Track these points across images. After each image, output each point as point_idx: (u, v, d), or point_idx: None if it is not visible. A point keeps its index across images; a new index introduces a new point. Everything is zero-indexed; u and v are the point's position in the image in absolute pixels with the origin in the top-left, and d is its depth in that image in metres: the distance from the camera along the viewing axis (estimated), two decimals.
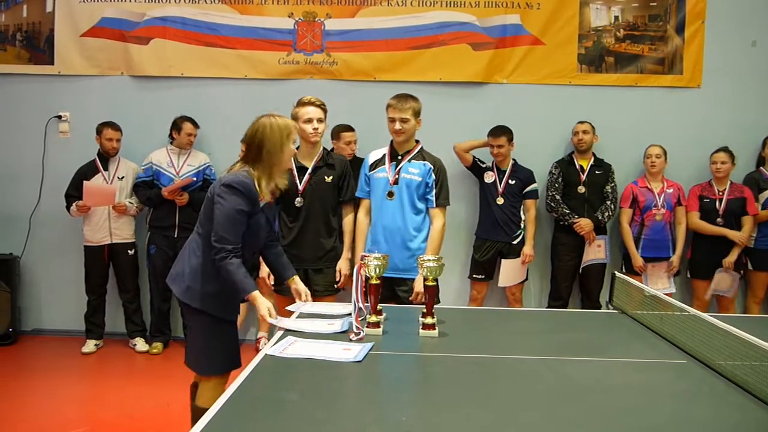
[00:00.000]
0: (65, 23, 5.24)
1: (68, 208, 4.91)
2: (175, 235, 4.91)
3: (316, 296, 3.65)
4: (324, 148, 3.76)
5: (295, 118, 3.63)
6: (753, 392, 2.00)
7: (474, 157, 4.96)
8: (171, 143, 5.02)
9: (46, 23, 5.27)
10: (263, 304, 2.67)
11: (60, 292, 5.34)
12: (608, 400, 1.99)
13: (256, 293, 2.67)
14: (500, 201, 4.86)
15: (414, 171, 3.54)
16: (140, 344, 5.06)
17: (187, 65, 5.22)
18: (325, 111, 3.64)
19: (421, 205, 3.56)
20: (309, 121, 3.57)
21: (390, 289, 3.54)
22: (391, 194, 3.52)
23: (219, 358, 2.80)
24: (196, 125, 5.00)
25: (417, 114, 3.53)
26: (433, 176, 3.55)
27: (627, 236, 4.92)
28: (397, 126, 3.49)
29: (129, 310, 5.11)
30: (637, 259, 4.86)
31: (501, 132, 4.84)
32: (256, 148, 2.79)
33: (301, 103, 3.62)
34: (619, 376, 2.23)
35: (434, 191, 3.55)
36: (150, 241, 5.01)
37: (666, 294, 4.65)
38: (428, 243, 3.54)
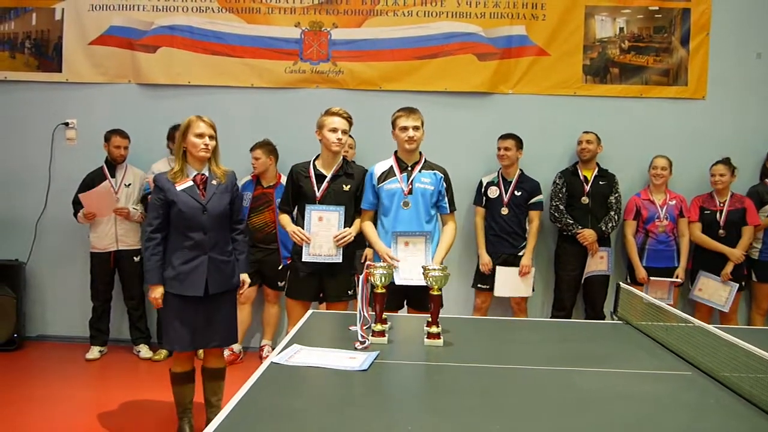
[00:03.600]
0: (73, 31, 5.29)
1: (76, 215, 4.94)
2: None
3: (329, 301, 3.72)
4: (344, 158, 3.81)
5: (321, 126, 3.69)
6: (758, 404, 2.00)
7: (481, 185, 4.98)
8: (170, 153, 5.03)
9: (55, 31, 5.32)
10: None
11: (65, 298, 5.36)
12: (614, 411, 1.99)
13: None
14: (504, 211, 4.86)
15: (426, 181, 3.67)
16: (144, 351, 5.06)
17: (195, 74, 5.25)
18: (350, 123, 3.73)
19: (432, 213, 3.71)
20: (334, 130, 3.65)
21: (400, 298, 3.62)
22: (406, 204, 3.61)
23: None
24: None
25: (423, 124, 3.66)
26: (444, 184, 3.71)
27: (631, 248, 4.93)
28: (411, 133, 3.58)
29: (134, 317, 5.12)
30: (640, 271, 4.86)
31: (509, 135, 4.89)
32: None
33: (328, 113, 3.69)
34: (624, 387, 2.23)
35: (446, 198, 3.72)
36: None
37: (662, 298, 4.69)
38: (443, 242, 3.70)
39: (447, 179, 3.73)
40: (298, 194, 3.75)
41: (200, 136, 3.23)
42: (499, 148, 4.90)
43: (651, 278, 4.83)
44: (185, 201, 3.23)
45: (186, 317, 3.29)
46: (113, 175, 4.98)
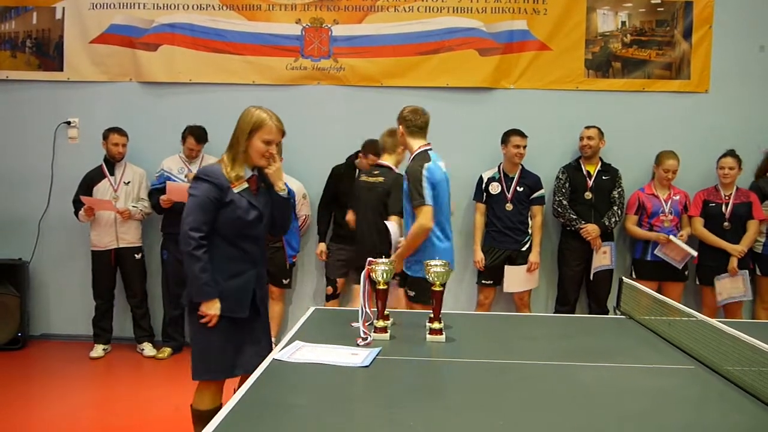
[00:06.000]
0: (74, 30, 5.29)
1: (76, 213, 4.94)
2: None
3: None
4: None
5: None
6: (761, 398, 1.99)
7: (481, 181, 4.98)
8: (182, 152, 5.04)
9: (56, 30, 5.32)
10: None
11: (68, 296, 5.36)
12: (618, 406, 1.99)
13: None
14: (509, 207, 4.86)
15: None
16: (148, 349, 5.07)
17: (196, 71, 5.25)
18: None
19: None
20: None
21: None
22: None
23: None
24: (198, 141, 4.96)
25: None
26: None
27: (638, 232, 4.89)
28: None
29: (137, 315, 5.12)
30: (660, 237, 4.77)
31: (524, 134, 4.87)
32: (234, 131, 2.83)
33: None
34: (628, 381, 2.22)
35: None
36: (162, 247, 5.03)
37: (673, 260, 4.70)
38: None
39: (408, 177, 3.59)
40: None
41: (268, 143, 2.78)
42: (518, 146, 4.85)
43: (672, 238, 4.72)
44: (243, 206, 2.74)
45: (233, 338, 2.78)
46: (112, 173, 4.98)
